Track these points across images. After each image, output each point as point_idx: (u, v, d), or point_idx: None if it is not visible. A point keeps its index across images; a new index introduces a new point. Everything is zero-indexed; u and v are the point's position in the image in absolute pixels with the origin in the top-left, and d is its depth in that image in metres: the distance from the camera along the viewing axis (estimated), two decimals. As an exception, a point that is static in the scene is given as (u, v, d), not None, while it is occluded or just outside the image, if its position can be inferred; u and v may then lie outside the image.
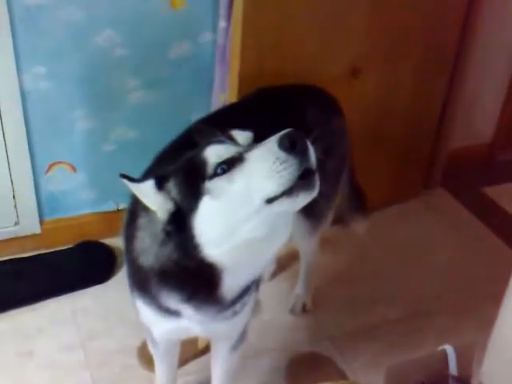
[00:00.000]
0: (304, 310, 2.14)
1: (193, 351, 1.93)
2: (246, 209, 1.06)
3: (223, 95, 2.13)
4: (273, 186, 1.03)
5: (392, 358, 1.92)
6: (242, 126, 1.26)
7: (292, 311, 2.14)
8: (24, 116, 2.05)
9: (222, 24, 2.01)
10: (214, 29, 2.10)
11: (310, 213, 1.78)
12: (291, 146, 1.01)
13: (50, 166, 2.20)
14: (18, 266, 2.18)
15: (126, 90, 2.14)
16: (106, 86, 2.12)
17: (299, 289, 2.15)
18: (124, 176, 1.15)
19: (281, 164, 1.01)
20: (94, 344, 1.99)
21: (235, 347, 1.56)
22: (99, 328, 2.05)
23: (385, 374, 1.39)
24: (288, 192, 1.03)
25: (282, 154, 1.01)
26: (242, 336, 1.54)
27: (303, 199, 1.05)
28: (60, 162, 2.21)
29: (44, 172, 2.20)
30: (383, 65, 2.25)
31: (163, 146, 1.49)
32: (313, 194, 1.05)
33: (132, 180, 1.16)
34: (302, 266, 2.12)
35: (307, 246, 2.02)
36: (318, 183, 1.05)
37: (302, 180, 1.02)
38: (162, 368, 1.69)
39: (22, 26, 1.91)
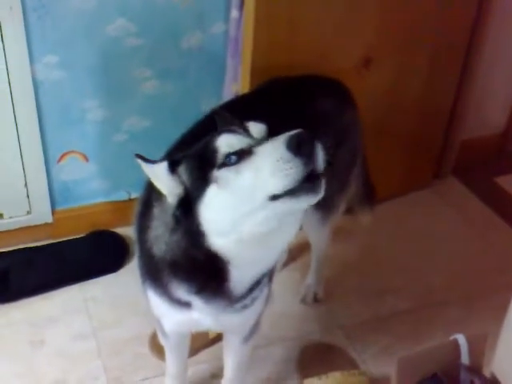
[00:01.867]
0: (315, 299, 2.15)
1: (203, 341, 1.94)
2: (250, 203, 1.06)
3: (235, 85, 2.12)
4: (275, 184, 1.02)
5: (403, 347, 1.93)
6: (256, 115, 1.24)
7: (303, 301, 2.14)
8: (36, 105, 2.05)
9: (234, 14, 2.00)
10: (227, 19, 2.09)
11: (321, 204, 1.78)
12: (297, 148, 1.00)
13: (62, 156, 2.21)
14: (30, 254, 2.19)
15: (138, 79, 2.14)
16: (119, 76, 2.12)
17: (310, 279, 2.15)
18: (139, 156, 1.16)
19: (284, 163, 1.01)
20: (106, 333, 2.01)
21: (247, 339, 1.56)
22: (110, 317, 2.06)
23: (396, 364, 1.39)
24: (291, 192, 1.02)
25: (288, 154, 1.00)
26: (254, 328, 1.54)
27: (306, 201, 1.04)
28: (72, 152, 2.21)
29: (56, 161, 2.21)
30: (395, 55, 2.24)
31: (179, 134, 1.49)
32: (317, 197, 1.05)
33: (146, 161, 1.16)
34: (314, 256, 2.12)
35: (318, 237, 2.02)
36: (323, 187, 1.04)
37: (307, 183, 1.02)
38: (173, 359, 1.69)
39: (34, 15, 1.90)
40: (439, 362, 1.46)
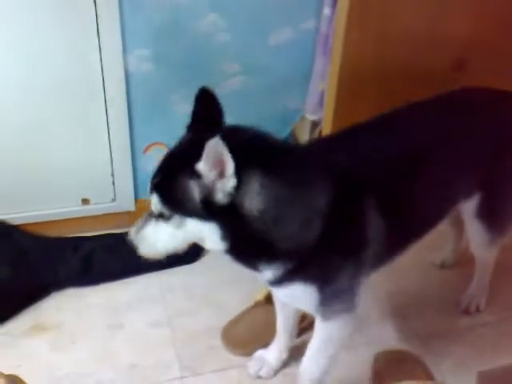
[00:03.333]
0: (477, 309, 2.12)
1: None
2: None
3: (322, 84, 2.11)
4: None
5: (481, 361, 1.88)
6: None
7: (465, 311, 2.11)
8: (127, 97, 2.10)
9: (326, 11, 1.99)
10: (318, 16, 2.08)
11: (494, 224, 1.80)
12: None
13: (148, 147, 2.25)
14: (112, 241, 2.25)
15: (225, 75, 2.16)
16: (206, 71, 2.13)
17: (474, 289, 2.12)
18: None
19: None
20: (181, 322, 2.04)
21: (325, 318, 1.54)
22: (186, 307, 2.09)
23: (477, 378, 1.35)
24: None
25: None
26: (328, 309, 1.51)
27: None
28: (157, 143, 2.25)
29: (142, 152, 2.26)
30: (491, 57, 2.14)
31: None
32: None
33: None
34: (478, 268, 2.08)
35: (486, 254, 1.99)
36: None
37: None
38: (279, 316, 1.82)
39: (128, 8, 1.95)
40: (522, 379, 1.40)
